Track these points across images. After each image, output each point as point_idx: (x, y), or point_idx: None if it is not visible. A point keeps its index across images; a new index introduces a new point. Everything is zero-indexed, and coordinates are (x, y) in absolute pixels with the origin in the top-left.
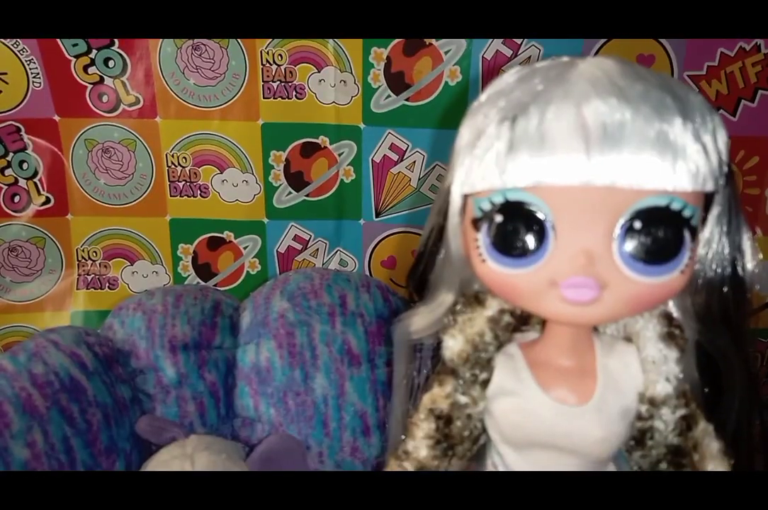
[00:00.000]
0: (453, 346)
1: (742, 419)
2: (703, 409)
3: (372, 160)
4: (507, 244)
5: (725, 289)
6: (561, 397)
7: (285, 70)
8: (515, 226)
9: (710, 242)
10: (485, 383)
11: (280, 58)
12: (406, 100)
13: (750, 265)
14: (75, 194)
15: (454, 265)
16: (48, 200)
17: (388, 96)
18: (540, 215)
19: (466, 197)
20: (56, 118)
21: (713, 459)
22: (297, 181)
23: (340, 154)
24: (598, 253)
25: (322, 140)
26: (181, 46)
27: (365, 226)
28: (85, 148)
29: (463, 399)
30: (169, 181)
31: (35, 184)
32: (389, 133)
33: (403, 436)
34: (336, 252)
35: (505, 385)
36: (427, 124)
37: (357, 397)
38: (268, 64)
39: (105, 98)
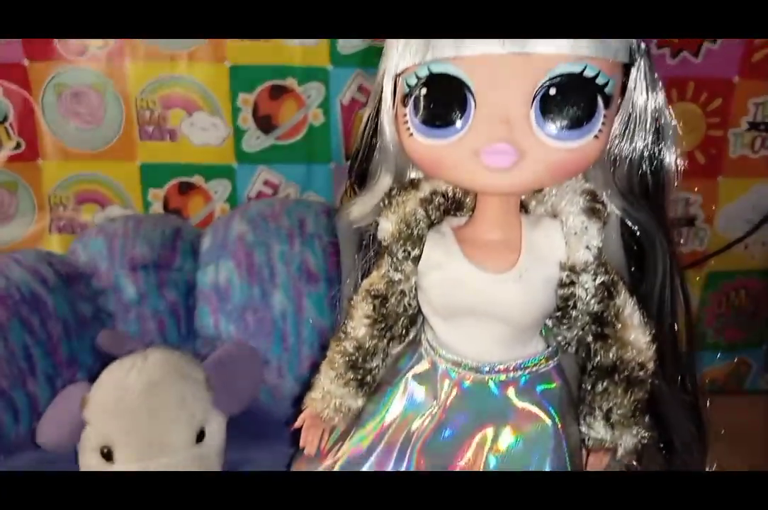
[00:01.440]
0: (387, 227)
1: (664, 293)
2: (626, 284)
3: (340, 102)
4: (431, 115)
5: (644, 166)
6: (485, 266)
7: None
8: (439, 96)
9: (630, 118)
10: (417, 259)
11: None
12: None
13: (670, 145)
14: (46, 139)
15: (389, 152)
16: (18, 145)
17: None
18: (461, 84)
19: (396, 79)
20: (25, 62)
21: (635, 329)
22: (266, 124)
23: (308, 97)
24: (516, 121)
25: (290, 82)
26: None
27: (335, 169)
28: (55, 92)
29: (396, 276)
30: (139, 125)
31: (6, 128)
32: (358, 74)
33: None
34: (307, 196)
35: (435, 260)
36: None
37: (315, 313)
38: None
39: (73, 41)
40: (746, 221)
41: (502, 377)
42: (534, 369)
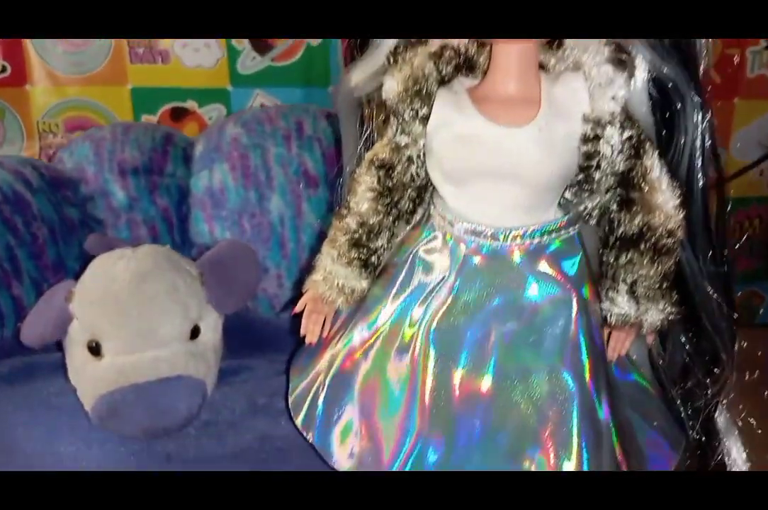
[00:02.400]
0: (392, 86)
1: (694, 154)
2: (655, 148)
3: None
4: None
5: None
6: (500, 120)
7: None
8: None
9: None
10: (425, 119)
11: None
12: None
13: None
14: (33, 63)
15: None
16: (4, 68)
17: None
18: None
19: None
20: None
21: (663, 192)
22: (261, 44)
23: None
24: None
25: None
26: None
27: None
28: None
29: (403, 139)
30: (129, 47)
31: None
32: None
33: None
34: None
35: (446, 117)
36: None
37: (315, 217)
38: None
39: None
40: (762, 145)
41: (519, 244)
42: (553, 235)
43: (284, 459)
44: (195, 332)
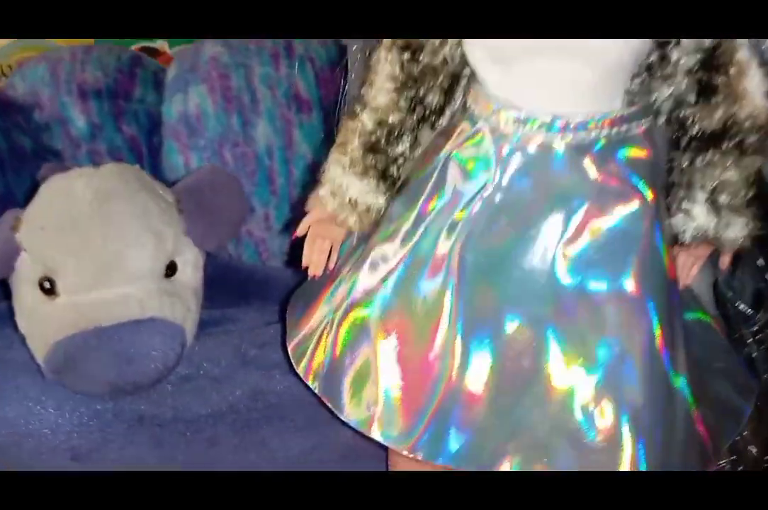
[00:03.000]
0: None
1: None
2: None
3: None
4: None
5: None
6: None
7: None
8: None
9: None
10: None
11: None
12: None
13: None
14: None
15: None
16: None
17: None
18: None
19: None
20: None
21: (751, 78)
22: None
23: None
24: None
25: None
26: None
27: None
28: None
29: None
30: None
31: None
32: None
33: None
34: None
35: None
36: None
37: (307, 147)
38: None
39: None
40: None
41: (577, 138)
42: (622, 128)
43: (279, 417)
44: (171, 269)
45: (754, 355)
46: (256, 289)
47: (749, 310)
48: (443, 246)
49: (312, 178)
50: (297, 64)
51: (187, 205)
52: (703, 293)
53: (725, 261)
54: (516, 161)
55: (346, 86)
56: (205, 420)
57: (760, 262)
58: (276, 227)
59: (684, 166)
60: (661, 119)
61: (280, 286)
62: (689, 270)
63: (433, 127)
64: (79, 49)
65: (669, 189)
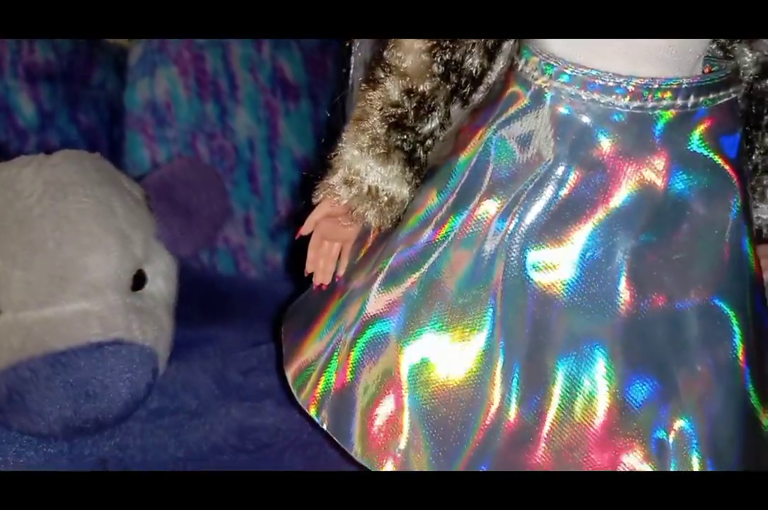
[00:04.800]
0: None
1: None
2: None
3: None
4: None
5: None
6: None
7: None
8: None
9: None
10: None
11: None
12: None
13: None
14: None
15: None
16: None
17: None
18: None
19: None
20: None
21: None
22: None
23: None
24: None
25: None
26: None
27: None
28: None
29: None
30: None
31: None
32: None
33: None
34: None
35: None
36: None
37: (295, 140)
38: None
39: None
40: None
41: (662, 106)
42: (711, 96)
43: (273, 458)
44: (139, 280)
45: None
46: (237, 304)
47: None
48: (486, 249)
49: (299, 175)
50: (282, 42)
51: (158, 202)
52: None
53: None
54: (591, 138)
55: (350, 71)
56: (182, 464)
57: None
58: (258, 233)
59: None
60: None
61: (265, 301)
62: None
63: (465, 103)
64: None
65: (750, 175)
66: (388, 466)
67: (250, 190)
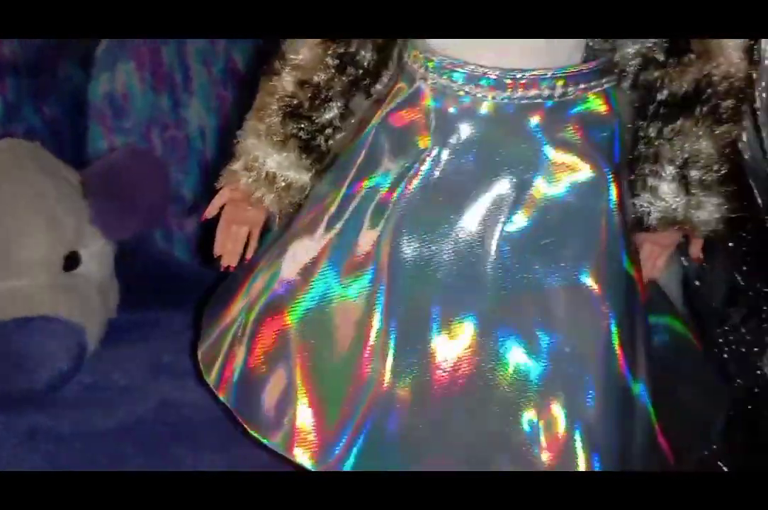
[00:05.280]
0: None
1: None
2: None
3: None
4: None
5: None
6: None
7: None
8: None
9: None
10: None
11: None
12: None
13: None
14: None
15: None
16: None
17: None
18: None
19: None
20: None
21: None
22: None
23: None
24: None
25: None
26: None
27: None
28: None
29: None
30: None
31: None
32: None
33: None
34: None
35: None
36: None
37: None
38: None
39: None
40: None
41: (528, 96)
42: (580, 86)
43: (191, 431)
44: (72, 261)
45: (725, 356)
46: (186, 289)
47: (723, 307)
48: (369, 236)
49: None
50: None
51: (94, 188)
52: (672, 289)
53: (696, 249)
54: (460, 127)
55: None
56: (108, 435)
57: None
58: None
59: (652, 136)
60: (626, 82)
61: (215, 286)
62: (655, 261)
63: (368, 94)
64: None
65: (634, 165)
66: (297, 451)
67: (202, 180)
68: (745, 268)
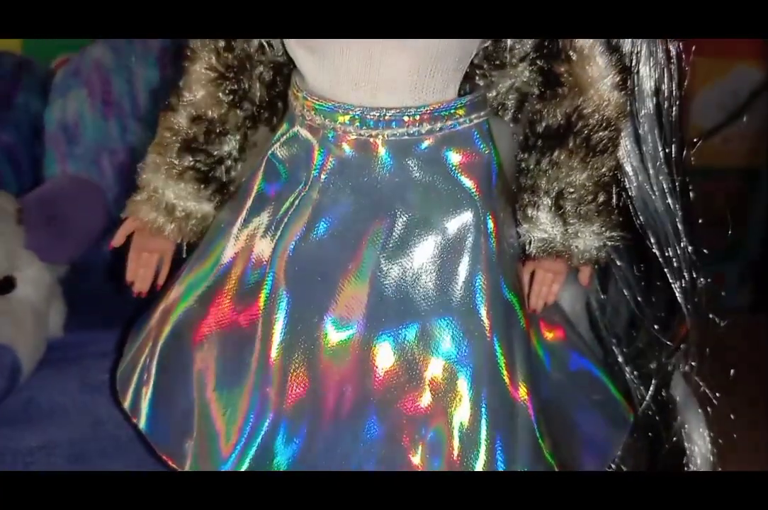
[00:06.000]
0: None
1: None
2: None
3: None
4: None
5: None
6: None
7: None
8: None
9: None
10: None
11: None
12: None
13: None
14: None
15: None
16: None
17: None
18: None
19: None
20: None
21: (597, 66)
22: None
23: None
24: None
25: None
26: None
27: None
28: None
29: None
30: None
31: None
32: None
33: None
34: None
35: None
36: None
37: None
38: None
39: None
40: (725, 109)
41: (397, 134)
42: (448, 123)
43: (118, 451)
44: (6, 285)
45: (627, 377)
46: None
47: (625, 332)
48: (256, 269)
49: None
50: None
51: (30, 216)
52: (577, 313)
53: (584, 276)
54: (332, 161)
55: None
56: (35, 453)
57: (630, 279)
58: None
59: (530, 167)
60: (507, 115)
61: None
62: (549, 287)
63: (268, 123)
64: None
65: (517, 195)
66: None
67: None
68: (638, 293)
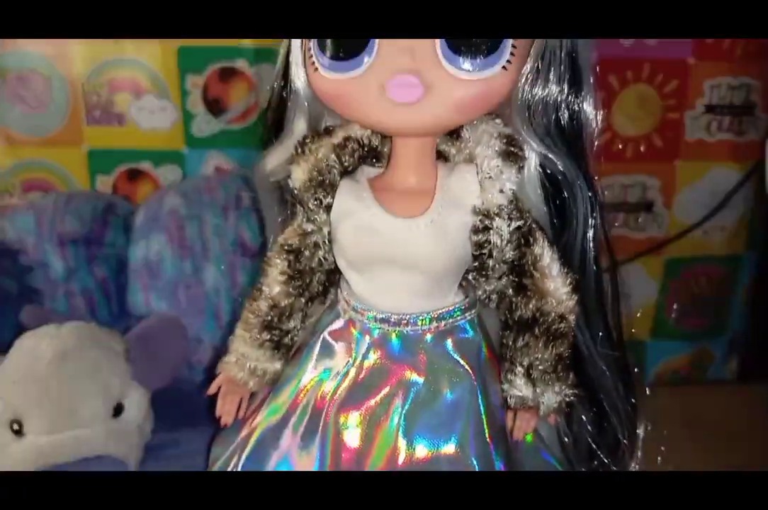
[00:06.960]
0: (298, 175)
1: (586, 243)
2: (547, 235)
3: None
4: (334, 47)
5: (560, 110)
6: (396, 211)
7: None
8: None
9: (543, 58)
10: (329, 208)
11: None
12: None
13: (587, 90)
14: None
15: (300, 96)
16: None
17: None
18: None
19: None
20: None
21: (553, 279)
22: (215, 107)
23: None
24: (421, 51)
25: (241, 64)
26: None
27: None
28: None
29: (309, 226)
30: (86, 109)
31: None
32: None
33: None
34: None
35: (348, 207)
36: None
37: (250, 289)
38: None
39: None
40: (704, 206)
41: (410, 329)
42: (448, 321)
43: None
44: (118, 410)
45: None
46: (204, 409)
47: (584, 457)
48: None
49: None
50: (244, 214)
51: (134, 353)
52: (552, 440)
53: (551, 421)
54: (372, 351)
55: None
56: None
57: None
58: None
59: (509, 344)
60: (492, 305)
61: None
62: (527, 423)
63: (322, 302)
64: (62, 197)
65: (500, 362)
66: None
67: (216, 326)
68: (592, 428)
